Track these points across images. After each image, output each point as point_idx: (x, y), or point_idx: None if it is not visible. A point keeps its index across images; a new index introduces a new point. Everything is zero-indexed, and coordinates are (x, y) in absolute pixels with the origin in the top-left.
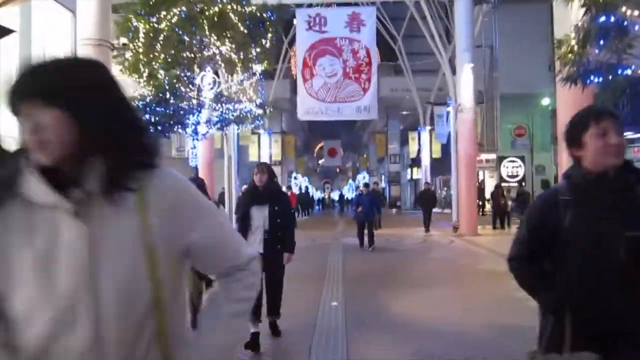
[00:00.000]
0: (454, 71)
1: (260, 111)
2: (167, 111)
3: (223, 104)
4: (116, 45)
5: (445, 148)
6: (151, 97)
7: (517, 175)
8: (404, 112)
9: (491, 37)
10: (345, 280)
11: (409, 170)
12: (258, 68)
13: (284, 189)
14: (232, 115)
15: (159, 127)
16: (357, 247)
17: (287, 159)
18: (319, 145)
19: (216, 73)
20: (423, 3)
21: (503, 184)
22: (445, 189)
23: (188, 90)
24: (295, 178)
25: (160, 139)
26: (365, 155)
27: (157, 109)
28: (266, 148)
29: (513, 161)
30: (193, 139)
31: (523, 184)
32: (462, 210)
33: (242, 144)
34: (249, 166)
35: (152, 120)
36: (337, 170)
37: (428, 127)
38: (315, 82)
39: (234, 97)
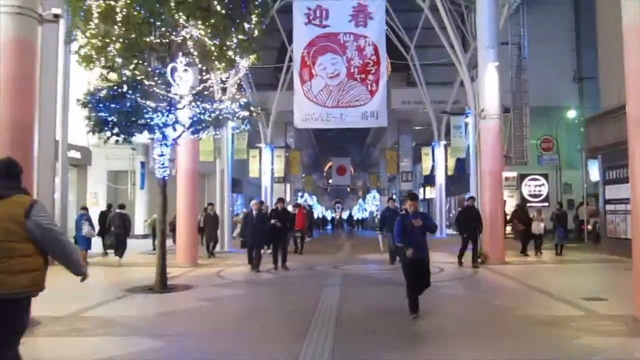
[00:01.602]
0: (472, 78)
1: (244, 113)
2: (124, 108)
3: (198, 103)
4: (45, 16)
5: (461, 165)
6: (105, 91)
7: (540, 195)
8: (417, 127)
9: (518, 35)
10: (337, 331)
11: (421, 189)
12: (244, 63)
13: (289, 207)
14: (210, 117)
15: (116, 129)
16: (359, 279)
17: (293, 176)
18: (329, 165)
19: (190, 65)
20: (439, 3)
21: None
22: (460, 209)
23: (153, 84)
24: (302, 197)
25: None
26: (376, 174)
27: (112, 105)
28: (268, 164)
29: (536, 179)
30: (161, 145)
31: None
32: (486, 234)
33: (240, 158)
34: (248, 183)
35: (109, 120)
36: (348, 189)
37: (443, 142)
38: (315, 84)
39: (211, 94)
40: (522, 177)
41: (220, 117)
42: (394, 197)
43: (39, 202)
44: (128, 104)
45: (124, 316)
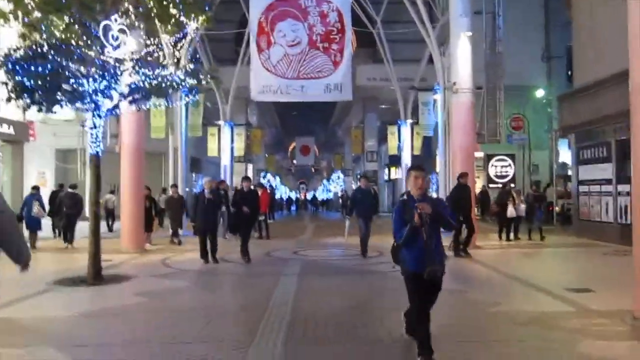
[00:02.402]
0: (442, 53)
1: (191, 81)
2: (44, 72)
3: (137, 68)
4: None
5: (428, 144)
6: (23, 51)
7: (506, 176)
8: (383, 106)
9: (492, 2)
10: (289, 337)
11: (386, 170)
12: (192, 25)
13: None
14: (149, 84)
15: (38, 94)
16: (321, 268)
17: (256, 156)
18: (293, 145)
19: (131, 27)
20: None
21: (492, 185)
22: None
23: (81, 44)
24: (264, 177)
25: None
26: (340, 154)
27: (32, 69)
28: (227, 142)
29: (502, 159)
30: (93, 116)
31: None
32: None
33: (194, 135)
34: (208, 163)
35: (28, 85)
36: (313, 170)
37: (409, 121)
38: (273, 52)
39: (151, 59)
40: (488, 158)
41: (164, 85)
42: (367, 175)
43: None
44: (49, 66)
45: (36, 318)
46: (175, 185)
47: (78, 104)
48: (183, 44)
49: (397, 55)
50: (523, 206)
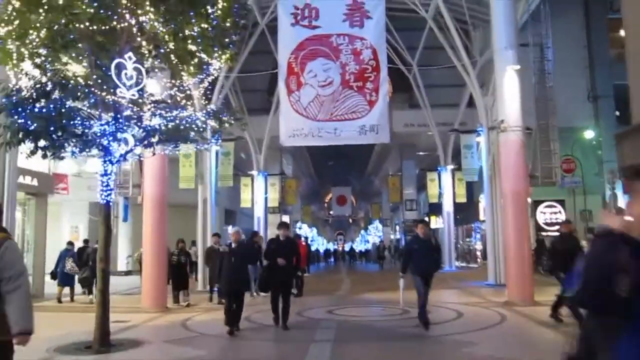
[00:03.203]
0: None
1: (213, 123)
2: (46, 113)
3: (153, 110)
4: None
5: (469, 191)
6: (27, 90)
7: (557, 223)
8: (421, 153)
9: (539, 34)
10: None
11: (426, 219)
12: (216, 64)
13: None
14: (166, 126)
15: (42, 141)
16: (359, 332)
17: (292, 207)
18: (329, 196)
19: (148, 68)
20: (444, 11)
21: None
22: (469, 239)
23: (90, 83)
24: (299, 228)
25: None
26: (378, 204)
27: (35, 109)
28: (261, 193)
29: (552, 206)
30: (104, 162)
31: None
32: (510, 269)
33: (225, 185)
34: (242, 214)
35: (30, 128)
36: (350, 220)
37: (450, 167)
38: (304, 94)
39: (171, 101)
40: (535, 204)
41: (182, 127)
42: (425, 219)
43: (11, 241)
44: (52, 106)
45: None
46: (217, 235)
47: (87, 149)
48: (206, 86)
49: (434, 101)
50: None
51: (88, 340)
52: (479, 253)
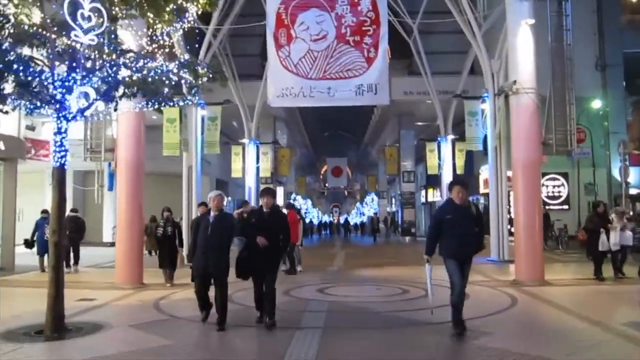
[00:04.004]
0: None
1: (186, 75)
2: None
3: (115, 58)
4: None
5: (469, 163)
6: None
7: (559, 196)
8: (419, 123)
9: None
10: None
11: (422, 192)
12: (191, 8)
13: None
14: (131, 78)
15: None
16: (352, 317)
17: (286, 177)
18: (325, 167)
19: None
20: None
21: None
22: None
23: (30, 23)
24: (294, 200)
25: None
26: (374, 176)
27: None
28: (252, 162)
29: (555, 178)
30: (58, 118)
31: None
32: (519, 245)
33: (211, 152)
34: (235, 185)
35: None
36: (346, 193)
37: (450, 137)
38: (294, 49)
39: (137, 50)
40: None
41: (150, 79)
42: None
43: None
44: None
45: None
46: (204, 204)
47: (36, 102)
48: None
49: (434, 68)
50: (629, 233)
51: (42, 323)
52: None
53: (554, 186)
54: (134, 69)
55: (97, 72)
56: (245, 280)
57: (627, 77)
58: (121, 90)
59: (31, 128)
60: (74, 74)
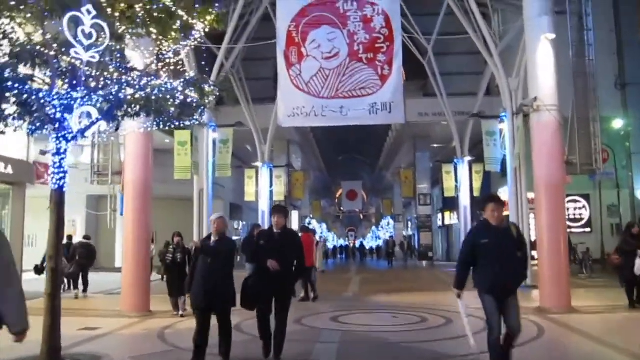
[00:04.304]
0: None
1: (193, 94)
2: None
3: (115, 74)
4: None
5: (486, 185)
6: None
7: (581, 219)
8: (435, 145)
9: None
10: None
11: (439, 216)
12: (198, 26)
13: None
14: (133, 96)
15: None
16: (368, 350)
17: (301, 202)
18: (340, 191)
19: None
20: None
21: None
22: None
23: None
24: (308, 224)
25: None
26: (389, 199)
27: None
28: (266, 185)
29: (576, 200)
30: (57, 138)
31: None
32: (543, 271)
33: (222, 175)
34: (249, 209)
35: None
36: (361, 216)
37: (467, 158)
38: (306, 67)
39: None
40: None
41: (153, 97)
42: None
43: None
44: None
45: None
46: (258, 225)
47: (35, 121)
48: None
49: (449, 89)
50: None
51: (37, 355)
52: None
53: (575, 208)
54: (137, 87)
55: (99, 91)
56: (252, 310)
57: None
58: (124, 109)
59: (43, 153)
60: (73, 93)
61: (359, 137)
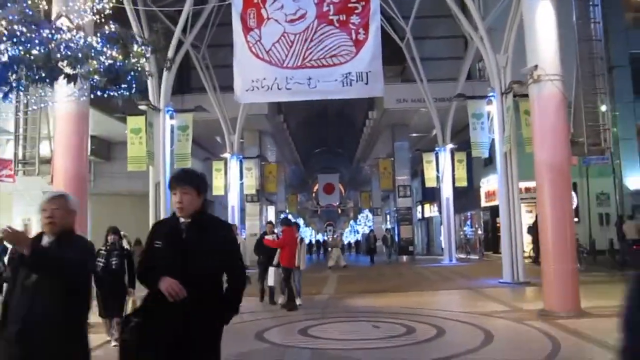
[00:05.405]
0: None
1: (111, 51)
2: None
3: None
4: None
5: (469, 174)
6: None
7: None
8: (414, 134)
9: None
10: None
11: (419, 208)
12: None
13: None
14: (27, 53)
15: None
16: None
17: (273, 195)
18: (317, 185)
19: None
20: None
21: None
22: (475, 228)
23: None
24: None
25: None
26: (367, 192)
27: None
28: (235, 178)
29: None
30: None
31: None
32: (547, 268)
33: (182, 164)
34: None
35: None
36: (339, 211)
37: (449, 146)
38: (267, 32)
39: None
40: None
41: (59, 54)
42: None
43: None
44: None
45: None
46: (271, 223)
47: None
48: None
49: (429, 75)
50: None
51: None
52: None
53: None
54: (37, 39)
55: None
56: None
57: (634, 79)
58: (17, 73)
59: None
60: None
61: (336, 128)
